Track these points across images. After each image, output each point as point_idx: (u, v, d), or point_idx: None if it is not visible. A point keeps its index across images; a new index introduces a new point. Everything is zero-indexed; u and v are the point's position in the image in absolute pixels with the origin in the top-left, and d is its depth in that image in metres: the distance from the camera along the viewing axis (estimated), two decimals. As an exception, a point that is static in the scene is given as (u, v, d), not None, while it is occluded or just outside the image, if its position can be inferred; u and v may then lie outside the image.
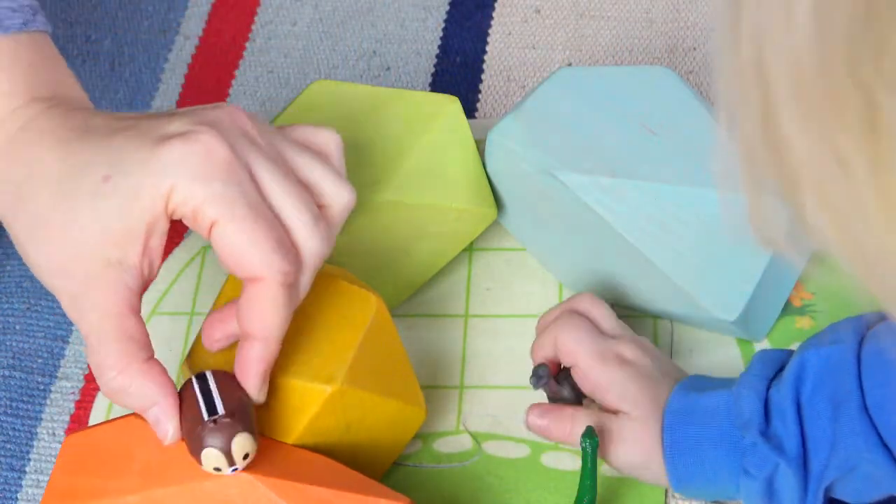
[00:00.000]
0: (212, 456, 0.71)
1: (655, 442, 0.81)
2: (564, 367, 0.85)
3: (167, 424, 0.72)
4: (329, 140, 0.78)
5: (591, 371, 0.82)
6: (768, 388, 0.78)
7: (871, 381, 0.74)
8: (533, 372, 0.84)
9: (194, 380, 0.73)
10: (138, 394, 0.72)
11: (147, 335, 0.73)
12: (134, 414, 0.77)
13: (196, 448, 0.71)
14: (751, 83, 0.47)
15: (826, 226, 0.48)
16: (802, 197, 0.48)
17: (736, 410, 0.78)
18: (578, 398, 0.85)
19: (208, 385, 0.73)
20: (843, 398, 0.75)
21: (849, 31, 0.44)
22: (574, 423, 0.83)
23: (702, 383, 0.82)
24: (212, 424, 0.71)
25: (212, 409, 0.72)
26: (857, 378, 0.74)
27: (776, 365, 0.80)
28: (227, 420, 0.71)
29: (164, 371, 0.73)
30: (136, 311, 0.72)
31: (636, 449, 0.81)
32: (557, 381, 0.84)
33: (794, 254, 0.52)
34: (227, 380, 0.73)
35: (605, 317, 0.86)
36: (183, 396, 0.73)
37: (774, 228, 0.51)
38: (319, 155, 0.77)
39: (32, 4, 0.78)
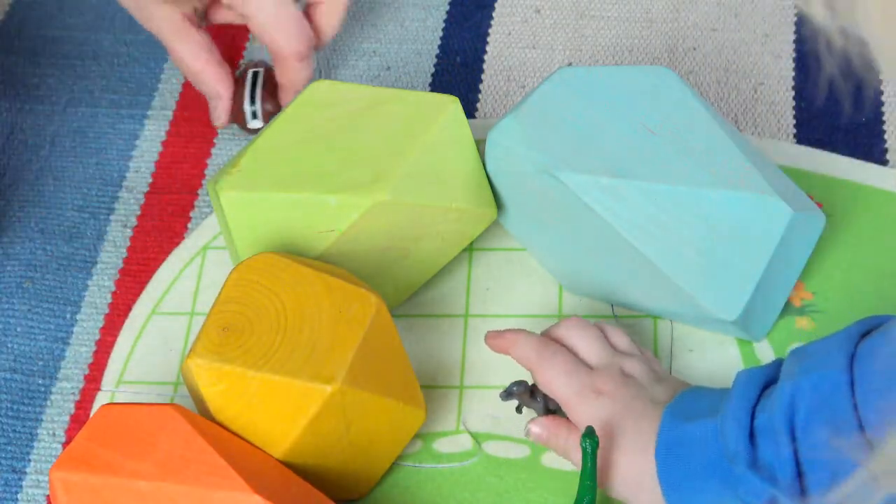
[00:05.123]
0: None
1: (642, 472, 0.80)
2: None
3: (221, 114, 1.05)
4: None
5: (571, 410, 0.83)
6: (753, 416, 0.78)
7: (868, 399, 0.73)
8: (507, 388, 0.85)
9: (248, 74, 1.05)
10: (207, 83, 1.03)
11: (212, 44, 1.02)
12: (171, 404, 0.78)
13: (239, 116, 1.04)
14: None
15: None
16: None
17: (722, 442, 0.78)
18: (548, 411, 0.86)
19: (256, 82, 1.05)
20: (839, 424, 0.74)
21: None
22: (570, 434, 0.84)
23: (691, 406, 0.81)
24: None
25: (252, 101, 1.04)
26: (851, 400, 0.73)
27: (759, 387, 0.78)
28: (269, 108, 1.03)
29: (229, 74, 1.04)
30: (196, 24, 1.02)
31: (624, 484, 0.81)
32: (533, 396, 0.86)
33: (826, 16, 0.50)
34: (272, 81, 1.04)
35: (589, 344, 0.86)
36: (238, 83, 1.05)
37: None
38: None
39: None
